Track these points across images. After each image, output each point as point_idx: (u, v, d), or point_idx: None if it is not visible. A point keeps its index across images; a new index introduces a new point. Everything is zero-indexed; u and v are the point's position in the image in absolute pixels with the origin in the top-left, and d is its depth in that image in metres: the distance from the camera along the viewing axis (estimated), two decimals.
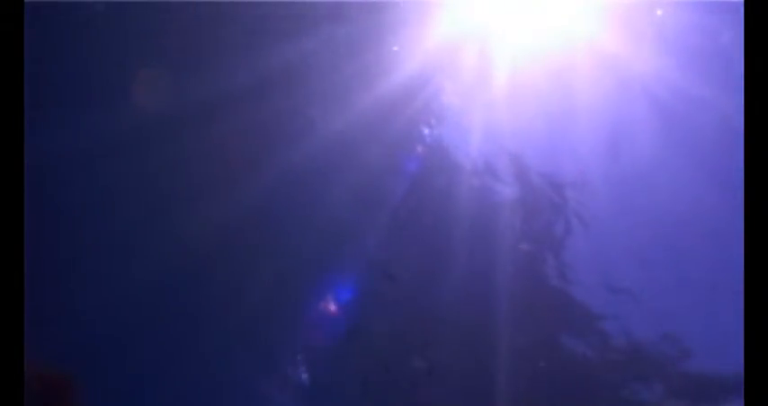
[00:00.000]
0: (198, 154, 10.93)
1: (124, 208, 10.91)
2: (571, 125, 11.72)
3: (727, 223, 9.91)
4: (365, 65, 11.18)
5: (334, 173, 11.67)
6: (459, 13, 10.91)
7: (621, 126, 11.77)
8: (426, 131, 12.06)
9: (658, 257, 11.90)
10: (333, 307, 12.26)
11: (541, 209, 12.13)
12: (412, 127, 12.02)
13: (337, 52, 10.99)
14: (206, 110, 10.67)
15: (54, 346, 7.36)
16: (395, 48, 11.03)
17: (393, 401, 12.25)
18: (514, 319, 12.13)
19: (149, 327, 11.21)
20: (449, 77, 11.65)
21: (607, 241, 11.96)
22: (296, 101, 11.27)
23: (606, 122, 11.73)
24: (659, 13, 10.49)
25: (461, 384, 12.23)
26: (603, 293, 12.06)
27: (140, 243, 10.99)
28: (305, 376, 12.40)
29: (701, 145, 11.36)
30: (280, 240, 11.69)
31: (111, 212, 10.93)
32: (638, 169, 11.78)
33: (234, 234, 11.27)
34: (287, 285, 11.91)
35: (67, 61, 10.15)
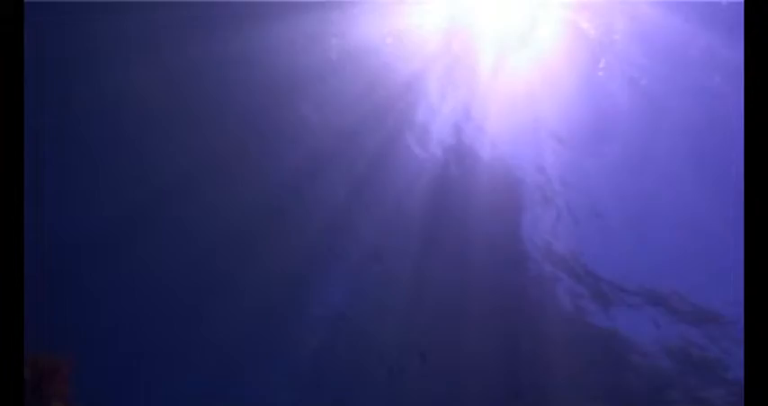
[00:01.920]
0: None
1: (130, 199, 10.95)
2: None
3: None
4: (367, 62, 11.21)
5: (336, 169, 11.69)
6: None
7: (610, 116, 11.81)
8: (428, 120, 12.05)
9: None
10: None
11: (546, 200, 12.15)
12: (416, 120, 12.04)
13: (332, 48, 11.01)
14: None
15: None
16: (388, 41, 11.02)
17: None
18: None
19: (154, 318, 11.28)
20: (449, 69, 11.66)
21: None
22: (294, 99, 11.30)
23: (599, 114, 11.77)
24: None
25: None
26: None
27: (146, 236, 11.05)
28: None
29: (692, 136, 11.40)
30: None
31: (115, 206, 10.96)
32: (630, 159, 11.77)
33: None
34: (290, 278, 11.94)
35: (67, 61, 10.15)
